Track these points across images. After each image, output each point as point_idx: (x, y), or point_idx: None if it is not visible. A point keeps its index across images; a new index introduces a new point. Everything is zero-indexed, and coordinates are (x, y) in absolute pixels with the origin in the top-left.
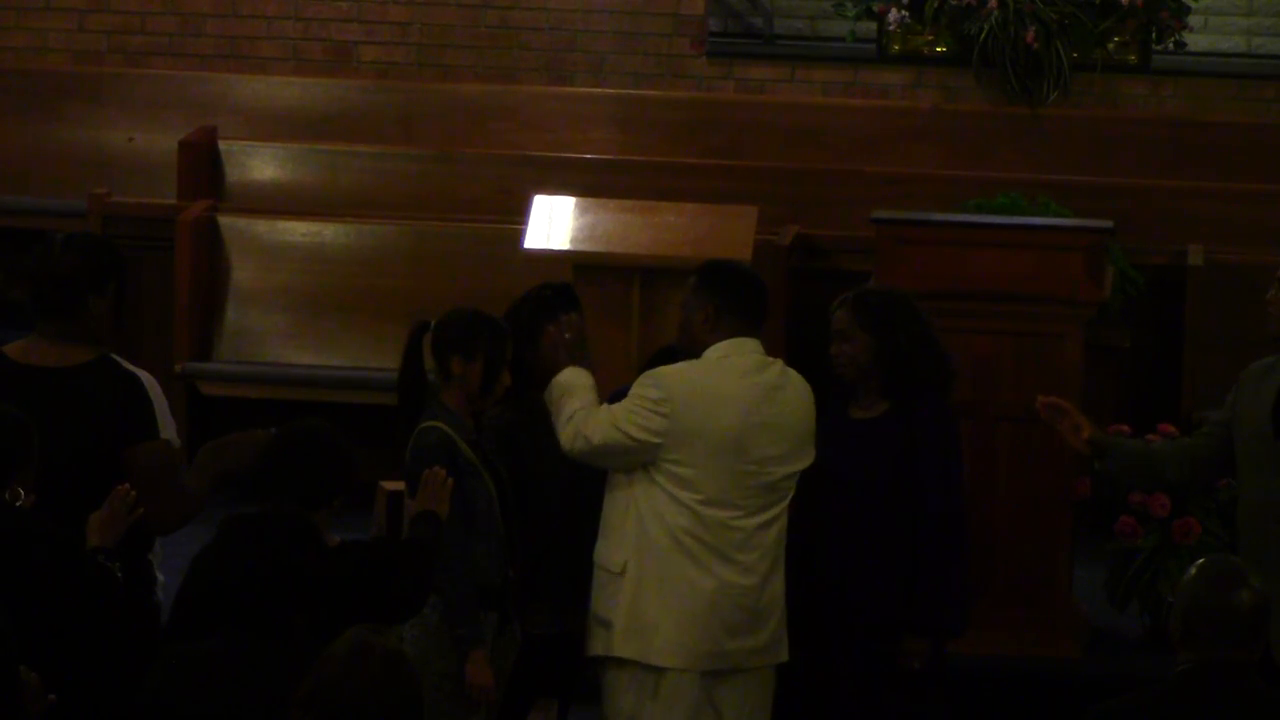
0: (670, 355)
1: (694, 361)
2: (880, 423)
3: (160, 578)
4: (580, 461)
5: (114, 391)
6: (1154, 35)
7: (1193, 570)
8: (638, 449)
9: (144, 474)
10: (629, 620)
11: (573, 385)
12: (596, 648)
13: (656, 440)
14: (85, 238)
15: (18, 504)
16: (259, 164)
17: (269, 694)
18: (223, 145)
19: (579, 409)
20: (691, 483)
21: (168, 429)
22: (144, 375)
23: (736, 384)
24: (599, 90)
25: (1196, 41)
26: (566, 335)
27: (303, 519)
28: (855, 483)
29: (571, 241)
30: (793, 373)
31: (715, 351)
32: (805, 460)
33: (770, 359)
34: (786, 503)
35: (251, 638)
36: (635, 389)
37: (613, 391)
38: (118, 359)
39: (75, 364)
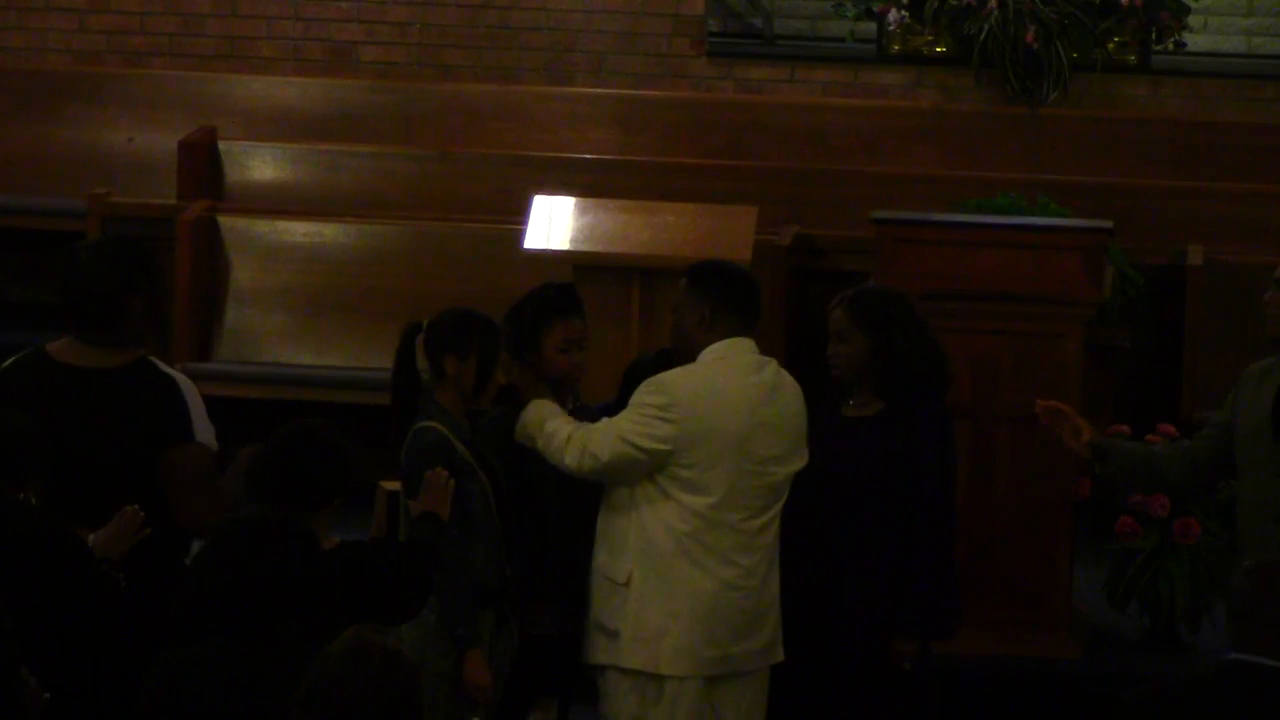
0: (664, 359)
1: (693, 365)
2: (873, 422)
3: None
4: (589, 480)
5: (151, 393)
6: (1154, 35)
7: (1247, 566)
8: (648, 459)
9: (181, 477)
10: (635, 629)
11: (547, 413)
12: (599, 656)
13: (666, 448)
14: (113, 242)
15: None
16: (259, 164)
17: (265, 697)
18: (222, 145)
19: (574, 429)
20: (701, 486)
21: (204, 432)
22: (181, 378)
23: (738, 384)
24: (599, 90)
25: (1196, 42)
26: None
27: (296, 522)
28: (846, 481)
29: (571, 241)
30: (785, 372)
31: (713, 353)
32: (801, 460)
33: (765, 358)
34: (782, 504)
35: (246, 641)
36: (637, 397)
37: (596, 406)
38: (155, 361)
39: (113, 365)
